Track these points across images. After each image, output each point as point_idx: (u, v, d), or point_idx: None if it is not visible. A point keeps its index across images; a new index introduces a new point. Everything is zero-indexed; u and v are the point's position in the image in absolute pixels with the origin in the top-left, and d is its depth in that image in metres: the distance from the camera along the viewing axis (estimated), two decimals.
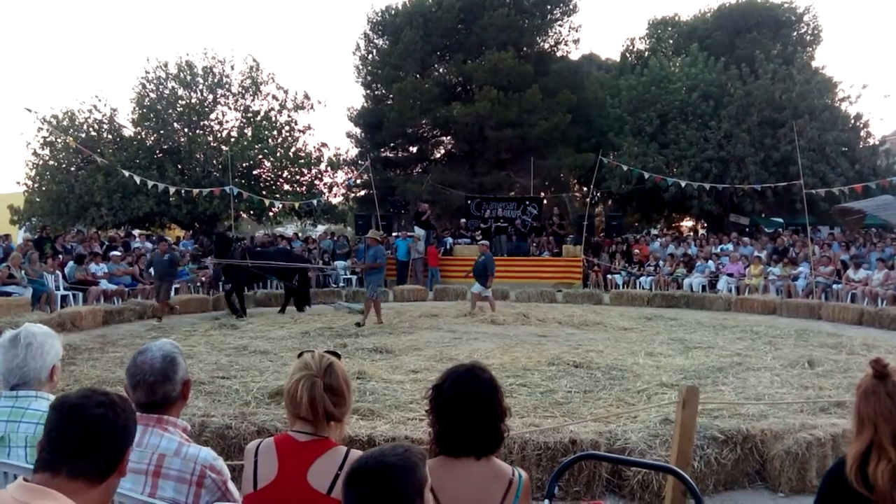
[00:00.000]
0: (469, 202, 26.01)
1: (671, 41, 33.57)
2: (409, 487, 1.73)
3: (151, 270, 16.03)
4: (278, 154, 28.00)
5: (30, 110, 24.29)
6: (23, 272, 14.37)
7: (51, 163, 26.23)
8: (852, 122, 27.44)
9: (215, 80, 27.75)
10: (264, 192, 26.22)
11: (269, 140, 27.83)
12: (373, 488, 1.70)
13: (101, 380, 7.56)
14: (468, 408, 2.32)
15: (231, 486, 2.40)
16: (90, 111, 26.23)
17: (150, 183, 19.58)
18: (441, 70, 31.12)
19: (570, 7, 31.57)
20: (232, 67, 28.42)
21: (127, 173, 18.54)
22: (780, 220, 27.45)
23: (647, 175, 22.58)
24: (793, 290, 17.43)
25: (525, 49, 30.01)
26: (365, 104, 32.52)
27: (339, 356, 2.51)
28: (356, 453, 2.38)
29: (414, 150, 32.88)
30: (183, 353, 2.60)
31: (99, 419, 1.68)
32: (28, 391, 2.71)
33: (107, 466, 1.67)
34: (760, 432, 5.11)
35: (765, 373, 8.22)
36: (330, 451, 2.32)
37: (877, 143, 28.79)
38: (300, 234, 29.75)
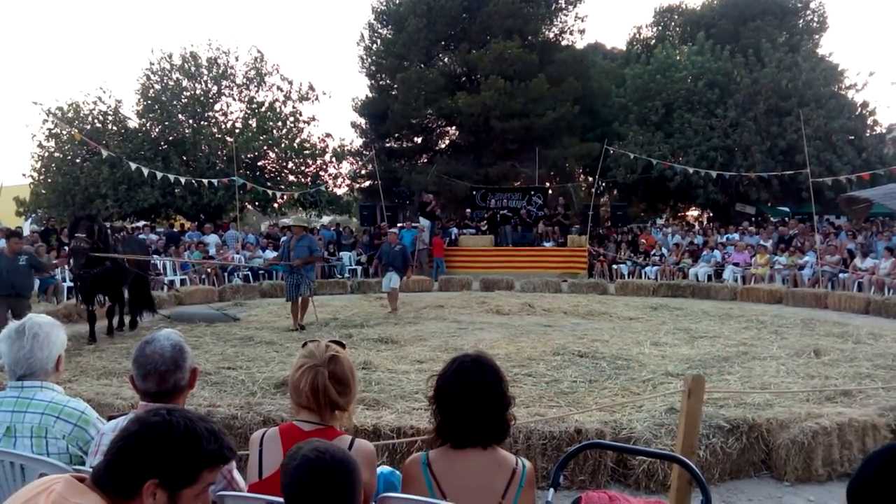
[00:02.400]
0: (474, 193, 26.00)
1: (677, 29, 33.39)
2: (362, 480, 1.84)
3: None
4: (283, 145, 28.05)
5: (37, 103, 24.25)
6: None
7: (56, 155, 26.31)
8: (859, 110, 27.27)
9: (220, 72, 27.78)
10: (269, 184, 26.26)
11: (274, 131, 27.87)
12: (346, 484, 1.76)
13: (107, 370, 7.60)
14: (472, 397, 2.31)
15: (237, 474, 2.41)
16: (95, 103, 26.30)
17: (159, 174, 19.56)
18: (446, 60, 30.99)
19: None
20: (236, 58, 28.51)
21: (134, 165, 18.55)
22: (787, 209, 27.34)
23: (654, 162, 22.48)
24: (799, 279, 17.38)
25: (530, 38, 29.87)
26: (369, 94, 32.45)
27: (343, 346, 2.51)
28: (361, 442, 2.39)
29: (419, 140, 32.82)
30: (185, 341, 2.61)
31: (125, 436, 1.65)
32: (34, 381, 2.72)
33: (118, 487, 1.60)
34: (766, 421, 5.10)
35: (770, 362, 8.21)
36: (335, 440, 2.33)
37: (884, 131, 28.62)
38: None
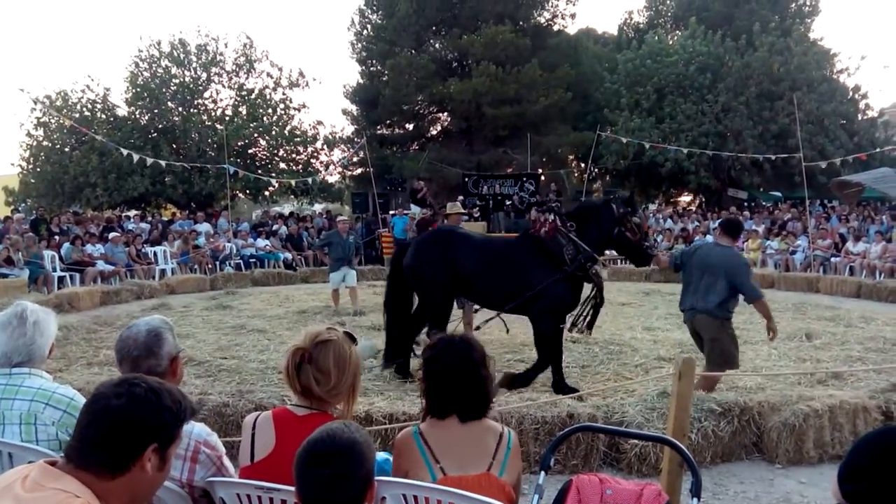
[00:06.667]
0: (466, 179, 25.90)
1: (669, 14, 33.30)
2: (371, 463, 1.81)
3: None
4: (273, 132, 27.88)
5: (23, 91, 24.13)
6: (19, 254, 14.35)
7: (45, 143, 26.10)
8: (851, 94, 27.31)
9: (209, 59, 27.56)
10: (260, 171, 26.14)
11: (264, 118, 27.71)
12: (344, 467, 1.73)
13: (97, 360, 7.56)
14: (457, 373, 2.45)
15: (226, 461, 2.39)
16: (83, 91, 26.07)
17: (149, 160, 19.40)
18: (437, 45, 30.81)
19: None
20: (226, 45, 28.26)
21: (125, 152, 18.41)
22: (779, 193, 27.42)
23: (647, 146, 22.46)
24: (791, 263, 17.45)
25: (522, 23, 29.70)
26: (360, 81, 32.27)
27: (354, 340, 2.46)
28: None
29: (410, 127, 32.67)
30: (173, 329, 2.58)
31: (113, 411, 1.63)
32: (22, 369, 2.70)
33: (116, 461, 1.61)
34: (758, 404, 5.13)
35: (762, 346, 8.24)
36: None
37: (875, 115, 28.68)
38: (297, 213, 29.74)
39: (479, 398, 2.47)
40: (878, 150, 22.51)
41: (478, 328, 6.71)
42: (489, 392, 2.51)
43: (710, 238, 20.02)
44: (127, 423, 1.62)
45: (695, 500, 2.36)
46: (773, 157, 22.05)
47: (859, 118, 27.28)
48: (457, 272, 6.55)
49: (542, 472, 2.55)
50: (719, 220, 7.57)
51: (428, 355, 2.57)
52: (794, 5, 30.29)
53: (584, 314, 6.64)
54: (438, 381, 2.47)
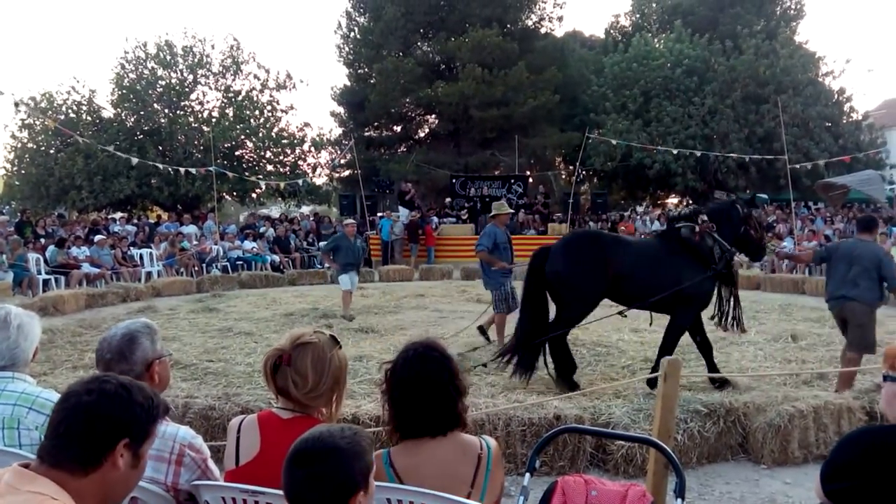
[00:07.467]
0: (454, 181, 25.94)
1: (655, 17, 33.49)
2: (355, 472, 1.72)
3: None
4: (260, 134, 27.84)
5: (2, 93, 23.90)
6: (3, 257, 14.22)
7: (30, 146, 25.96)
8: (836, 97, 27.55)
9: (195, 60, 27.52)
10: (247, 173, 26.09)
11: (251, 120, 27.66)
12: (320, 470, 1.69)
13: (83, 363, 7.51)
14: (420, 389, 2.28)
15: (211, 464, 2.38)
16: (68, 93, 25.94)
17: (135, 160, 19.27)
18: (424, 48, 30.86)
19: None
20: (212, 47, 28.27)
21: (111, 148, 18.31)
22: (765, 195, 27.60)
23: (636, 144, 22.56)
24: (777, 265, 17.54)
25: (509, 26, 29.81)
26: (348, 83, 32.27)
27: (338, 343, 2.41)
28: None
29: (398, 129, 32.70)
30: (154, 333, 2.54)
31: (83, 407, 1.62)
32: (4, 373, 2.66)
33: (88, 457, 1.60)
34: (743, 405, 5.14)
35: (748, 347, 8.29)
36: None
37: (860, 118, 28.92)
38: (285, 215, 29.67)
39: (449, 411, 2.29)
40: (861, 153, 22.68)
41: (621, 314, 6.92)
42: (460, 403, 2.33)
43: None
44: (97, 417, 1.62)
45: (679, 500, 2.37)
46: (758, 159, 22.18)
47: (844, 121, 27.52)
48: (607, 273, 6.54)
49: (528, 474, 2.54)
50: (855, 220, 9.07)
51: (393, 364, 2.39)
52: (779, 9, 30.53)
53: (730, 313, 6.92)
54: (404, 393, 2.30)
